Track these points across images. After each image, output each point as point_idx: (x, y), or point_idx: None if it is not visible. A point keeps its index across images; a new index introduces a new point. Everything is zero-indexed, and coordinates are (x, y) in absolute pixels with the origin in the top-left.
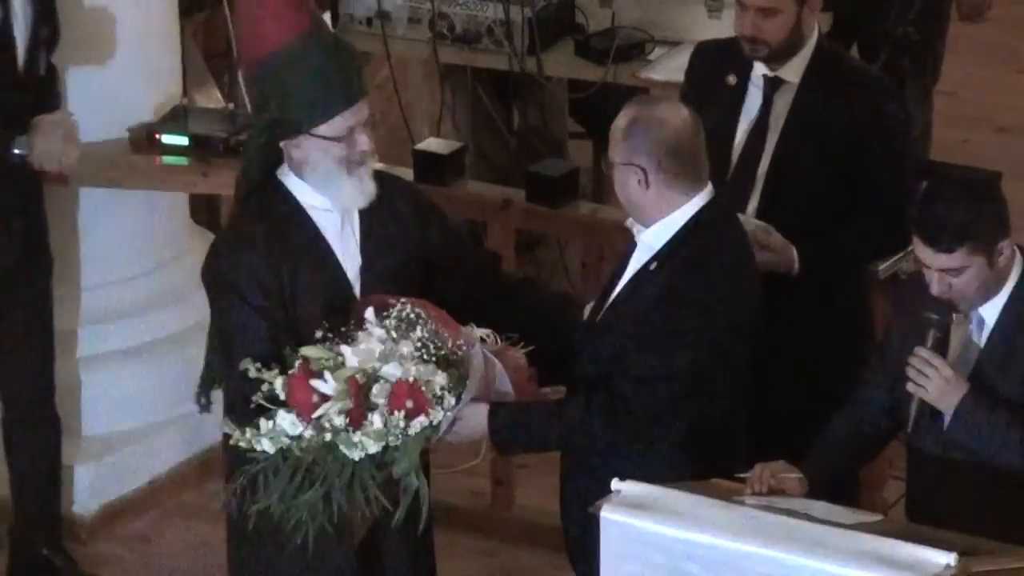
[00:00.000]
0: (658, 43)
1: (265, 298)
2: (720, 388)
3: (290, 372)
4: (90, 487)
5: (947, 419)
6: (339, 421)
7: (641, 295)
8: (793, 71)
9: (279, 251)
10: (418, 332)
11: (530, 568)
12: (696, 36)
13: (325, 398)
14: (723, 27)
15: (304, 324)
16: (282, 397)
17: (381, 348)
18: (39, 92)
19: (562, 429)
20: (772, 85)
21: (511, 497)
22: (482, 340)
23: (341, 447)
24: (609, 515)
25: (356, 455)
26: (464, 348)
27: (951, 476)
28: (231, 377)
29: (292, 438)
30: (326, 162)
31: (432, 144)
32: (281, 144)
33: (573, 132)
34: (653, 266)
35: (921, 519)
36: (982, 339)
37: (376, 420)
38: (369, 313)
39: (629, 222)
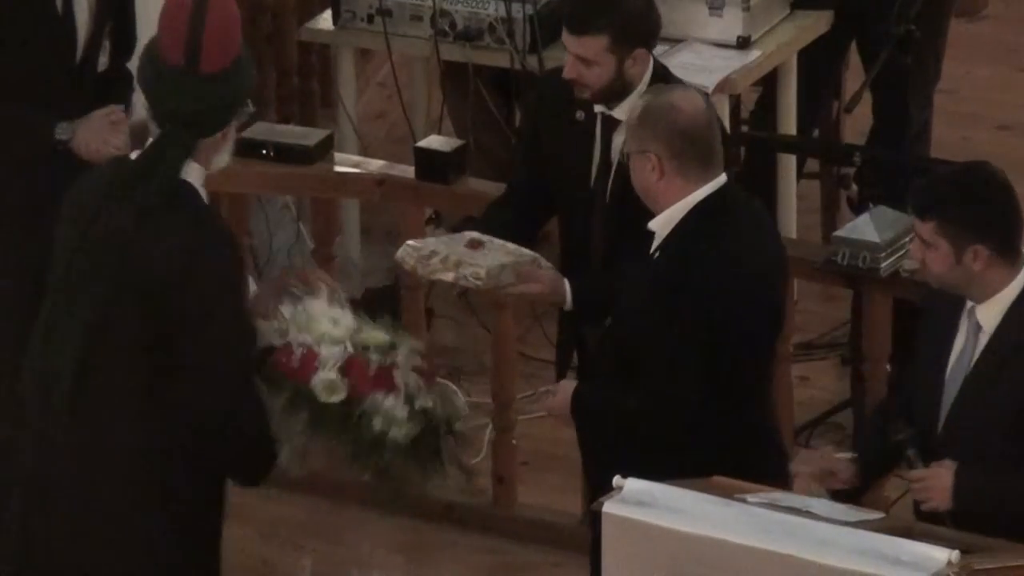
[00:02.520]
0: (659, 41)
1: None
2: (748, 378)
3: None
4: None
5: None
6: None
7: (649, 283)
8: (625, 110)
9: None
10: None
11: (532, 566)
12: (697, 34)
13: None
14: (724, 25)
15: None
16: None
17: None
18: (98, 90)
19: (634, 411)
20: (607, 124)
21: (513, 495)
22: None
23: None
24: (611, 511)
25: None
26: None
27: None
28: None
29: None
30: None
31: (433, 141)
32: (200, 143)
33: None
34: (657, 254)
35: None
36: (977, 347)
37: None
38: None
39: (649, 224)
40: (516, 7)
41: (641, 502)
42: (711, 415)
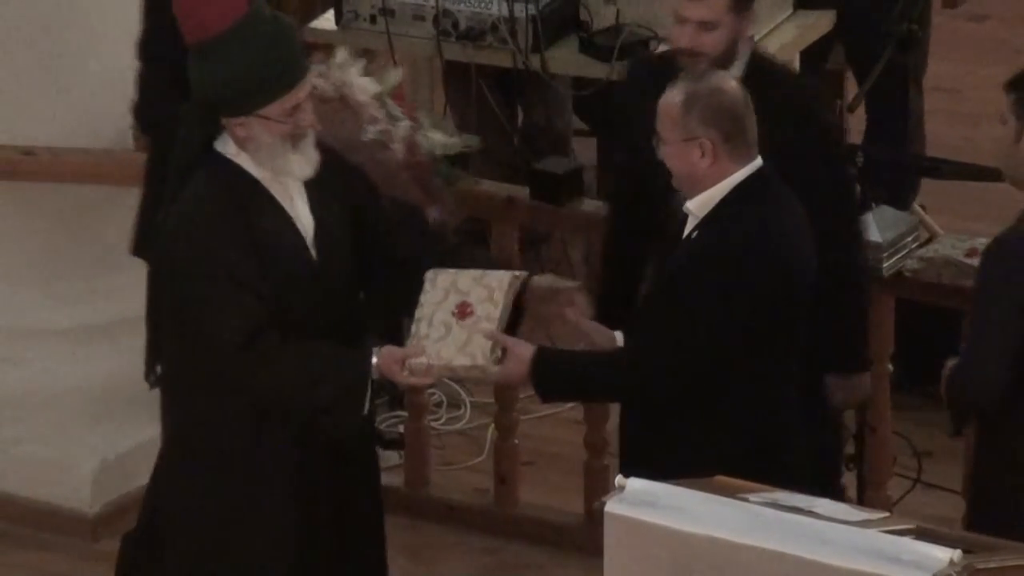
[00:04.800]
0: (662, 40)
1: (240, 268)
2: (768, 357)
3: None
4: (94, 485)
5: None
6: None
7: (681, 261)
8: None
9: (244, 219)
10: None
11: (534, 565)
12: None
13: None
14: None
15: (268, 292)
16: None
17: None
18: None
19: (609, 371)
20: None
21: (514, 494)
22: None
23: None
24: (614, 511)
25: None
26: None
27: None
28: (203, 355)
29: None
30: (271, 139)
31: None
32: (223, 122)
33: (577, 129)
34: (695, 234)
35: None
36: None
37: None
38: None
39: (686, 204)
40: (519, 7)
41: (644, 502)
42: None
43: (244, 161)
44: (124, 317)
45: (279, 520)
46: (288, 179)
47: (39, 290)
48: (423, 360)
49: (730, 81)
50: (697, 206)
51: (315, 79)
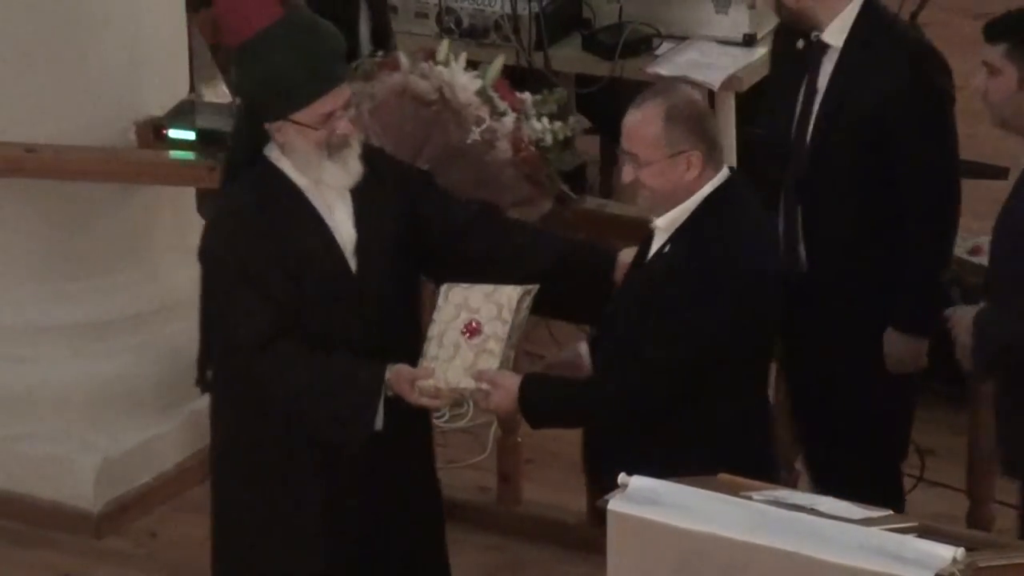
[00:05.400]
0: (665, 38)
1: (266, 274)
2: (745, 364)
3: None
4: (97, 482)
5: None
6: None
7: (654, 275)
8: (836, 35)
9: (278, 227)
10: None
11: (537, 563)
12: (703, 31)
13: None
14: (730, 23)
15: (300, 299)
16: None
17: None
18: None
19: (596, 397)
20: (817, 49)
21: (518, 492)
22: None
23: None
24: (617, 509)
25: None
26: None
27: None
28: (222, 354)
29: None
30: (306, 146)
31: None
32: (265, 126)
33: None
34: (667, 248)
35: None
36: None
37: None
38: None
39: (655, 222)
40: (522, 4)
41: (646, 499)
42: (690, 409)
43: (287, 167)
44: (127, 315)
45: (312, 523)
46: (328, 188)
47: (42, 288)
48: (431, 383)
49: (691, 89)
50: (667, 222)
51: (417, 80)
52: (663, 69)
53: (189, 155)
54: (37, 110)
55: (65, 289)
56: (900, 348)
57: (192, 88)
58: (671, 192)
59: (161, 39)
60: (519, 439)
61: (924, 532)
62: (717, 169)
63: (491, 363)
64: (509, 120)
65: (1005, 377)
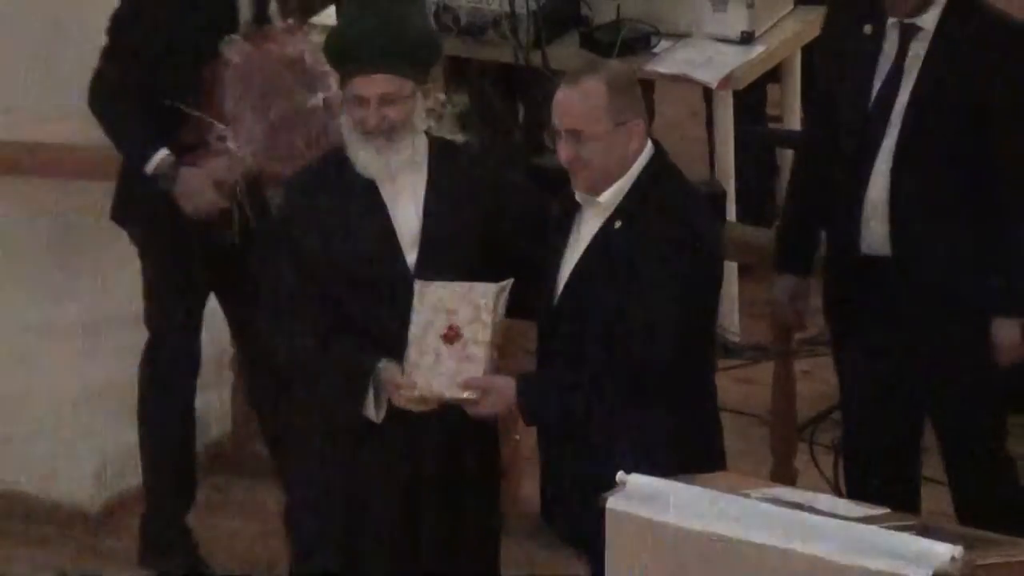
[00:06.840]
0: (663, 36)
1: (303, 241)
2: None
3: None
4: (96, 482)
5: None
6: None
7: (615, 253)
8: (929, 19)
9: (333, 203)
10: None
11: (537, 560)
12: (701, 29)
13: None
14: (728, 20)
15: (339, 275)
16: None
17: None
18: None
19: (588, 392)
20: (907, 32)
21: (517, 489)
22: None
23: None
24: (616, 507)
25: None
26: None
27: None
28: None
29: None
30: (346, 123)
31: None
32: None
33: None
34: (618, 224)
35: None
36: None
37: None
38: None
39: (579, 196)
40: (520, 2)
41: (645, 497)
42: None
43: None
44: (127, 314)
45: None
46: (396, 176)
47: (42, 287)
48: (416, 393)
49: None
50: (610, 196)
51: (285, 39)
52: (661, 67)
53: None
54: (37, 109)
55: (65, 288)
56: (1012, 335)
57: None
58: (615, 166)
59: None
60: (518, 436)
61: (922, 530)
62: (648, 138)
63: (475, 370)
64: None
65: None
